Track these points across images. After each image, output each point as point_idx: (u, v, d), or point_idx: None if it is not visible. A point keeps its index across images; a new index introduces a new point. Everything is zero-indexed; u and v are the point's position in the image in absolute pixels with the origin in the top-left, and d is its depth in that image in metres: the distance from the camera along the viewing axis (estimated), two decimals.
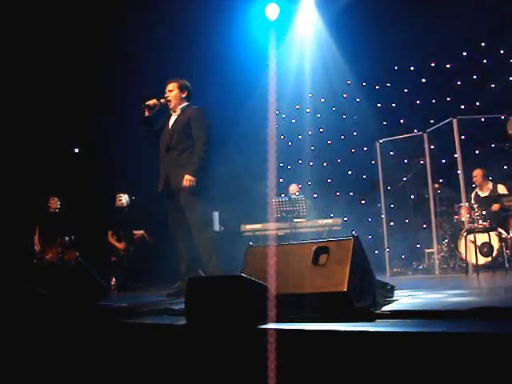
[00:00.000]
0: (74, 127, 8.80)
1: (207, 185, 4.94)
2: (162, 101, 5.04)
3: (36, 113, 8.28)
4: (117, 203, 8.22)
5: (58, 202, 8.34)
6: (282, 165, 10.25)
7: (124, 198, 8.22)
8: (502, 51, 9.03)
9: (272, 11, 9.76)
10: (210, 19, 8.58)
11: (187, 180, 4.75)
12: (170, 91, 5.09)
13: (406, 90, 9.75)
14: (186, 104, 5.12)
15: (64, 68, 8.23)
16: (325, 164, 10.20)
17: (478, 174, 7.70)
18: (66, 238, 7.89)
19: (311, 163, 10.32)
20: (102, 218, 8.35)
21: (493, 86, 8.99)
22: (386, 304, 2.99)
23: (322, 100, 10.36)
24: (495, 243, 6.73)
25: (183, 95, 5.12)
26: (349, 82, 10.14)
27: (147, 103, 4.97)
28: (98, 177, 8.71)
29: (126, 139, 8.51)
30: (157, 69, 8.27)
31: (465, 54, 9.33)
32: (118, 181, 8.56)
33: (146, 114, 5.00)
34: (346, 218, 8.33)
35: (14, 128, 8.03)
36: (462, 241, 6.86)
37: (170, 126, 5.07)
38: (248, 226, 7.96)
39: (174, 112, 5.11)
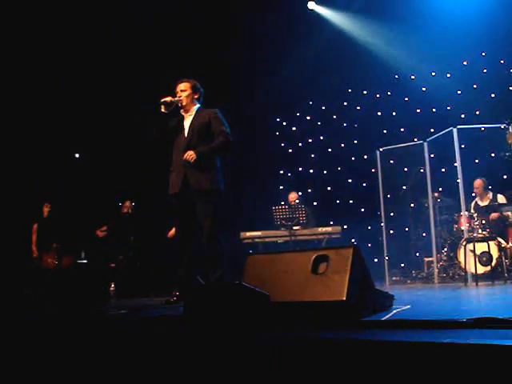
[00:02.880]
0: (75, 132, 8.80)
1: (223, 188, 4.83)
2: (176, 99, 4.88)
3: (36, 118, 8.29)
4: (122, 209, 8.26)
5: (50, 208, 8.33)
6: (281, 172, 10.27)
7: (128, 205, 8.25)
8: (502, 60, 9.07)
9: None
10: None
11: (189, 155, 4.61)
12: (182, 91, 4.92)
13: (406, 99, 9.77)
14: (198, 106, 4.97)
15: (64, 73, 8.25)
16: (325, 172, 10.20)
17: (479, 184, 7.68)
18: (62, 244, 7.90)
19: (311, 171, 10.33)
20: (102, 223, 8.34)
21: (493, 95, 9.01)
22: (385, 313, 2.98)
23: (323, 108, 10.39)
24: (494, 253, 6.71)
25: (195, 96, 4.97)
26: (349, 90, 10.16)
27: (163, 99, 4.80)
28: (98, 182, 8.71)
29: (126, 144, 8.56)
30: (154, 66, 8.30)
31: (465, 63, 9.36)
32: (119, 187, 8.57)
33: (163, 110, 4.80)
34: (345, 226, 8.32)
35: (13, 133, 8.05)
36: (462, 250, 6.85)
37: (186, 128, 4.89)
38: (247, 234, 7.94)
39: (187, 113, 4.94)
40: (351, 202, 9.88)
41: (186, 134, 4.87)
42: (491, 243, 6.63)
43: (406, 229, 8.78)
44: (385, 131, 9.68)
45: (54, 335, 3.13)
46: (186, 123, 4.93)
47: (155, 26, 8.39)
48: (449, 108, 9.27)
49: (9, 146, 8.00)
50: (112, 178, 8.66)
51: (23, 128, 8.16)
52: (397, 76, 9.72)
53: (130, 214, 8.20)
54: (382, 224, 8.07)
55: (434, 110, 9.46)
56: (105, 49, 8.28)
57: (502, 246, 6.77)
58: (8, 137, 7.96)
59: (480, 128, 7.95)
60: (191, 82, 5.00)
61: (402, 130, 9.54)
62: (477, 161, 8.68)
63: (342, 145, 10.16)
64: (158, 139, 4.98)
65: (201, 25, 8.59)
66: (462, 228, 7.07)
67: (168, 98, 4.84)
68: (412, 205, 8.58)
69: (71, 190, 8.55)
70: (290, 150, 10.45)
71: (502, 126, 6.35)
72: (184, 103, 4.92)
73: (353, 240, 8.66)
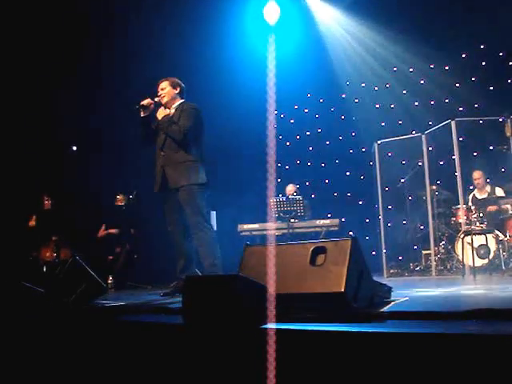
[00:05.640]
0: (72, 125, 8.77)
1: (205, 181, 4.85)
2: (156, 99, 4.98)
3: (33, 111, 8.26)
4: (116, 202, 8.24)
5: (51, 201, 8.31)
6: (279, 165, 10.25)
7: (123, 198, 8.23)
8: (500, 53, 9.05)
9: (272, 11, 9.75)
10: (206, 19, 8.60)
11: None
12: (162, 89, 5.02)
13: (404, 92, 9.76)
14: (180, 102, 5.04)
15: (61, 68, 8.21)
16: (323, 164, 10.20)
17: (480, 175, 7.69)
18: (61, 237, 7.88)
19: (309, 163, 10.33)
20: (100, 216, 8.33)
21: (491, 88, 9.00)
22: (384, 305, 2.99)
23: (321, 100, 10.37)
24: (492, 245, 6.73)
25: (176, 91, 5.04)
26: (348, 83, 10.14)
27: (141, 103, 4.91)
28: (95, 175, 8.69)
29: (123, 138, 8.53)
30: (151, 69, 8.26)
31: (464, 55, 9.34)
32: (116, 180, 8.54)
33: (142, 114, 4.93)
34: (343, 219, 8.32)
35: (10, 126, 8.02)
36: (459, 242, 6.86)
37: None
38: (245, 226, 7.93)
39: (169, 110, 5.02)
40: (349, 194, 9.89)
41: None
42: (489, 236, 6.64)
43: (404, 222, 8.79)
44: (383, 124, 9.66)
45: (50, 327, 3.13)
46: None
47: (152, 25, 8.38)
48: (447, 101, 9.25)
49: (10, 138, 7.97)
50: (109, 170, 8.63)
51: (25, 120, 8.14)
52: (395, 68, 9.70)
53: (126, 207, 8.18)
54: (380, 217, 8.07)
55: (432, 102, 9.45)
56: (102, 43, 8.26)
57: (500, 238, 6.77)
58: (9, 128, 7.95)
59: (478, 121, 7.94)
60: (169, 79, 5.08)
61: (400, 122, 9.53)
62: (475, 154, 8.68)
63: (340, 137, 10.15)
64: (145, 141, 5.11)
65: (190, 24, 8.59)
66: (460, 221, 7.08)
67: (146, 101, 4.94)
68: (410, 198, 8.58)
69: (70, 182, 8.52)
70: (288, 143, 10.44)
71: (501, 119, 6.35)
72: (165, 100, 5.01)
73: (351, 233, 8.66)
